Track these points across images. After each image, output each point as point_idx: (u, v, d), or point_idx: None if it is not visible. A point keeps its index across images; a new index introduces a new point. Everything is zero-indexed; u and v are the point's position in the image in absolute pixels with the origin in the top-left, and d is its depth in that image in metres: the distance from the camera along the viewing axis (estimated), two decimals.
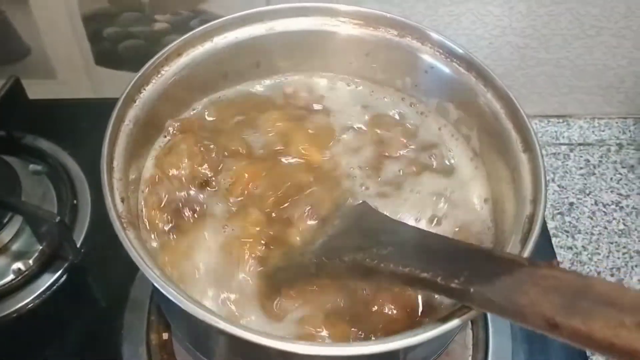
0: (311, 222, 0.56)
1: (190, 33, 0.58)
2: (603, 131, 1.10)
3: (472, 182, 0.60)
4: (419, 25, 0.61)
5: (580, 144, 1.09)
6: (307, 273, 0.51)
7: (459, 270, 0.43)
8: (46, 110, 0.90)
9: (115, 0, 0.91)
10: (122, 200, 0.48)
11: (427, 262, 0.45)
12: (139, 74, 0.55)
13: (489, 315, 0.71)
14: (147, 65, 0.55)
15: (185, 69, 0.58)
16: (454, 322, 0.43)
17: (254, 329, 0.42)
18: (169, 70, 0.57)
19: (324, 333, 0.50)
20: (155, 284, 0.43)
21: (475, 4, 0.94)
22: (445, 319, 0.43)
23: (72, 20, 0.93)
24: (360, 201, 0.57)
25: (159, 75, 0.57)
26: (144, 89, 0.55)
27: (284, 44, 0.62)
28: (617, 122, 1.11)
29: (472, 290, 0.41)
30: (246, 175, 0.57)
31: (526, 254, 0.46)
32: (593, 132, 1.10)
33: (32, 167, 0.84)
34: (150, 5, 0.92)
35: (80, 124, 0.90)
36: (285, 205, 0.57)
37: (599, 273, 0.92)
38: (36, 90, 0.87)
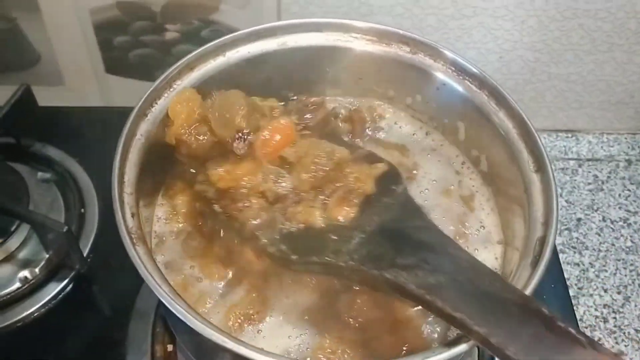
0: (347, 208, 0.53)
1: (203, 47, 0.58)
2: (612, 147, 1.10)
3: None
4: (432, 42, 0.61)
5: (588, 160, 1.09)
6: (338, 272, 0.50)
7: (516, 335, 0.41)
8: (55, 117, 0.90)
9: (127, 9, 0.91)
10: (132, 216, 0.48)
11: (482, 312, 0.42)
12: (151, 88, 0.55)
13: None
14: (159, 80, 0.55)
15: (197, 83, 0.58)
16: (462, 347, 0.43)
17: (260, 349, 0.42)
18: (181, 85, 0.57)
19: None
20: (164, 301, 0.43)
21: (486, 18, 0.94)
22: (454, 343, 0.43)
23: (83, 28, 0.93)
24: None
25: (171, 90, 0.57)
26: (156, 103, 0.55)
27: (296, 59, 0.62)
28: (626, 138, 1.11)
29: None
30: None
31: (537, 277, 0.46)
32: (602, 147, 1.10)
33: (40, 175, 0.84)
34: (161, 15, 0.92)
35: (89, 132, 0.91)
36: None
37: (605, 290, 0.92)
38: (45, 96, 0.87)
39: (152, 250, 0.52)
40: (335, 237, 0.51)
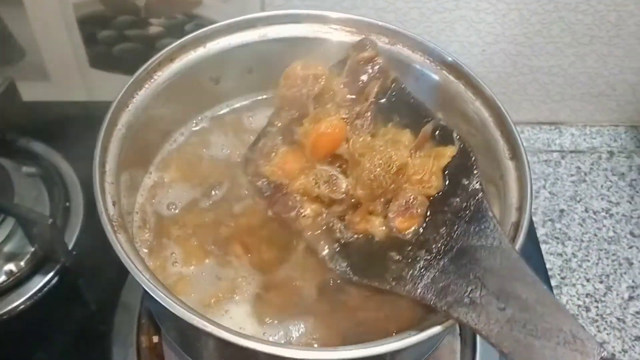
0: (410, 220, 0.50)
1: (183, 39, 0.59)
2: (594, 139, 1.11)
3: None
4: (410, 33, 0.62)
5: (571, 151, 1.10)
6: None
7: None
8: (40, 112, 0.91)
9: (111, 3, 0.91)
10: (114, 204, 0.49)
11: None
12: (132, 79, 0.56)
13: None
14: (139, 71, 0.56)
15: (178, 74, 0.59)
16: (436, 329, 0.43)
17: (240, 332, 0.43)
18: (162, 76, 0.58)
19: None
20: (145, 287, 0.44)
21: (468, 12, 0.95)
22: (427, 327, 0.44)
23: (67, 23, 0.93)
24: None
25: (152, 81, 0.57)
26: (137, 94, 0.56)
27: (277, 51, 0.63)
28: (608, 130, 1.12)
29: None
30: None
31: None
32: (584, 139, 1.11)
33: (25, 169, 0.84)
34: (145, 9, 0.92)
35: (74, 127, 0.91)
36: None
37: (588, 280, 0.93)
38: (30, 92, 0.88)
39: (133, 234, 0.53)
40: (397, 257, 0.48)
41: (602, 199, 1.03)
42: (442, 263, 0.46)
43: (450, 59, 0.60)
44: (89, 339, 0.73)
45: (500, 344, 0.40)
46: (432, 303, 0.44)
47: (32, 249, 0.76)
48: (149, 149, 0.59)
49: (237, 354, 0.45)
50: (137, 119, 0.55)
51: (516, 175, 0.54)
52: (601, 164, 1.08)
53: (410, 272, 0.46)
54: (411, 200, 0.50)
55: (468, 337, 0.71)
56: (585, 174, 1.06)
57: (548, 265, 0.92)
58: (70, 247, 0.78)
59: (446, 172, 0.52)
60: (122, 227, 0.48)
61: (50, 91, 1.00)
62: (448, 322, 0.44)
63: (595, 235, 0.98)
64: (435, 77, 0.61)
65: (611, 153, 1.09)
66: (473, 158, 0.52)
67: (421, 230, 0.49)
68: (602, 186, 1.05)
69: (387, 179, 0.50)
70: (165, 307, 0.43)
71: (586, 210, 1.01)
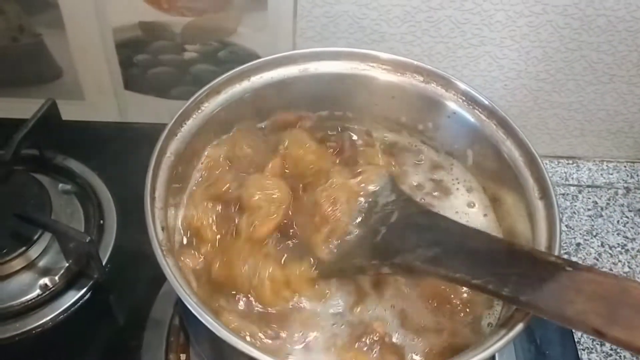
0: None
1: (229, 72, 0.62)
2: (611, 174, 1.13)
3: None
4: (445, 73, 0.65)
5: (588, 186, 1.12)
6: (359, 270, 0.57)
7: (507, 276, 0.47)
8: (76, 131, 0.94)
9: (149, 29, 0.95)
10: (163, 229, 0.51)
11: (475, 266, 0.50)
12: (181, 110, 0.58)
13: None
14: (189, 102, 0.59)
15: (223, 105, 0.62)
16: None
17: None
18: (209, 107, 0.61)
19: None
20: (193, 311, 0.46)
21: (492, 48, 0.97)
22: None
23: (105, 46, 0.96)
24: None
25: (199, 111, 0.60)
26: (185, 124, 0.59)
27: (316, 85, 0.66)
28: (625, 166, 1.14)
29: (522, 299, 0.46)
30: None
31: None
32: (602, 174, 1.13)
33: (61, 186, 0.87)
34: (181, 36, 0.95)
35: (109, 146, 0.94)
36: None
37: None
38: (65, 111, 0.90)
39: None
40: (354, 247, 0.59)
41: (618, 234, 1.05)
42: (380, 235, 0.58)
43: (485, 100, 0.62)
44: (119, 354, 0.75)
45: (425, 267, 0.52)
46: (381, 264, 0.56)
47: (67, 265, 0.79)
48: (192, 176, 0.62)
49: None
50: (185, 147, 0.58)
51: (545, 214, 0.56)
52: (617, 199, 1.10)
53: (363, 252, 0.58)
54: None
55: None
56: (602, 209, 1.08)
57: None
58: (103, 263, 0.80)
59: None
60: (170, 251, 0.50)
61: (85, 111, 1.02)
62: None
63: (611, 269, 1.00)
64: (468, 116, 0.64)
65: (628, 189, 1.11)
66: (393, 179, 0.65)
67: (360, 230, 0.60)
68: (618, 222, 1.06)
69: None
70: (211, 330, 0.46)
71: (602, 245, 1.03)
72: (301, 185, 0.64)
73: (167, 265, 0.48)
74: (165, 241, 0.51)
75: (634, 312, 0.42)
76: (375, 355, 0.53)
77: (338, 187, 0.62)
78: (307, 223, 0.61)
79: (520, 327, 0.48)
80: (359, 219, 0.60)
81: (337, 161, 0.67)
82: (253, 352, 0.44)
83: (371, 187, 0.62)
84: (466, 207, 0.65)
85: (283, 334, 0.54)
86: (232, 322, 0.52)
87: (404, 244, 0.55)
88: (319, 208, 0.60)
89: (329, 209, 0.60)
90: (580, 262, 0.99)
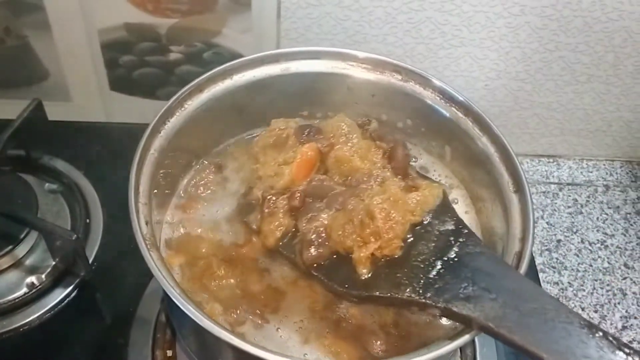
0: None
1: (212, 71, 0.63)
2: (591, 172, 1.15)
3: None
4: (422, 71, 0.66)
5: (569, 184, 1.14)
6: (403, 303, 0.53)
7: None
8: (62, 131, 0.95)
9: (134, 30, 0.96)
10: (146, 223, 0.53)
11: (545, 339, 0.45)
12: (165, 107, 0.60)
13: (477, 343, 0.75)
14: (172, 100, 0.60)
15: (206, 104, 0.63)
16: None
17: (263, 347, 0.46)
18: (192, 105, 0.62)
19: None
20: (177, 302, 0.47)
21: (472, 48, 0.99)
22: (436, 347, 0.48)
23: (91, 47, 0.97)
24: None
25: (183, 109, 0.61)
26: (169, 121, 0.60)
27: (297, 84, 0.67)
28: (604, 164, 1.16)
29: None
30: None
31: None
32: (581, 172, 1.15)
33: (47, 185, 0.88)
34: (166, 37, 0.97)
35: (94, 146, 0.95)
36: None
37: (583, 309, 0.96)
38: (52, 112, 0.91)
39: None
40: (398, 272, 0.54)
41: (597, 230, 1.07)
42: (435, 270, 0.53)
43: (460, 97, 0.64)
44: (105, 351, 0.75)
45: (499, 327, 0.46)
46: (432, 302, 0.50)
47: (53, 263, 0.79)
48: (177, 173, 0.63)
49: None
50: (168, 144, 0.59)
51: (519, 207, 0.57)
52: (597, 196, 1.12)
53: (414, 281, 0.53)
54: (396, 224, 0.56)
55: (469, 359, 0.74)
56: (582, 206, 1.10)
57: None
58: (89, 262, 0.81)
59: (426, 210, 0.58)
60: (153, 245, 0.52)
61: (71, 111, 1.03)
62: (455, 342, 0.47)
63: (591, 265, 1.02)
64: (445, 113, 0.65)
65: (607, 187, 1.13)
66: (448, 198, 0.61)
67: (410, 248, 0.55)
68: (597, 218, 1.08)
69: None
70: (194, 321, 0.47)
71: (582, 242, 1.05)
72: (339, 179, 0.61)
73: (151, 258, 0.49)
74: (149, 235, 0.52)
75: None
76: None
77: (394, 200, 0.55)
78: (348, 231, 0.55)
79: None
80: (411, 243, 0.55)
81: (389, 167, 0.61)
82: (235, 341, 0.45)
83: (427, 208, 0.57)
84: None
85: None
86: (216, 314, 0.54)
87: (462, 289, 0.50)
88: (372, 220, 0.54)
89: (383, 224, 0.54)
90: (561, 258, 1.02)
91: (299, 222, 0.57)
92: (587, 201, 1.11)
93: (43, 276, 0.79)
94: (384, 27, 0.96)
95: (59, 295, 0.78)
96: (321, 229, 0.56)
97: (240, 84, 0.65)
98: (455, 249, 0.54)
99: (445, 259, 0.53)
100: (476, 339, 0.74)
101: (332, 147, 0.61)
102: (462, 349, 0.74)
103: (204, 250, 0.59)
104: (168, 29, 0.96)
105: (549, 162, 1.16)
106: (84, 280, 0.79)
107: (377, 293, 0.53)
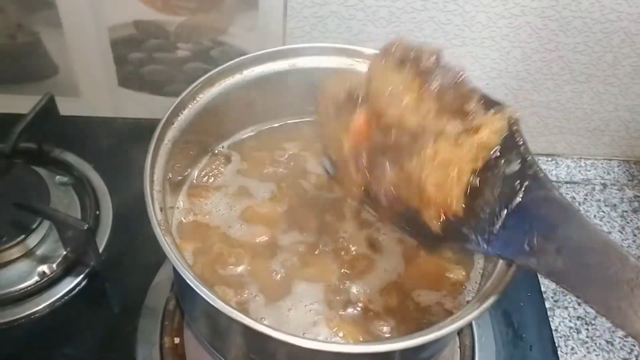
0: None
1: (223, 66, 0.66)
2: (589, 171, 1.17)
3: None
4: None
5: (566, 182, 1.16)
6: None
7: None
8: (73, 126, 0.97)
9: (143, 28, 0.98)
10: (161, 210, 0.55)
11: (606, 297, 0.44)
12: (178, 100, 0.62)
13: (475, 333, 0.77)
14: (185, 93, 0.62)
15: (217, 97, 0.65)
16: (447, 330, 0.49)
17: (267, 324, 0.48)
18: (203, 98, 0.64)
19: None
20: (190, 283, 0.49)
21: (474, 48, 1.01)
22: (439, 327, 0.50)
23: (100, 44, 0.99)
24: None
25: (195, 102, 0.64)
26: (181, 113, 0.62)
27: (304, 79, 0.69)
28: (602, 163, 1.18)
29: None
30: None
31: (510, 273, 0.53)
32: (579, 171, 1.17)
33: (58, 178, 0.90)
34: (174, 34, 0.99)
35: (104, 140, 0.97)
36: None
37: (579, 304, 0.98)
38: (61, 107, 0.93)
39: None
40: (461, 223, 0.51)
41: None
42: (500, 221, 0.50)
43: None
44: (115, 338, 0.77)
45: (562, 282, 0.45)
46: (498, 255, 0.50)
47: (64, 253, 0.81)
48: (188, 163, 0.65)
49: (266, 346, 0.51)
50: (181, 135, 0.61)
51: None
52: (594, 195, 1.14)
53: (480, 234, 0.51)
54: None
55: (467, 348, 0.76)
56: (580, 204, 1.12)
57: (542, 289, 0.97)
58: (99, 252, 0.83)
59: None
60: (167, 230, 0.54)
61: (80, 107, 1.05)
62: (451, 326, 0.50)
63: None
64: None
65: (604, 185, 1.15)
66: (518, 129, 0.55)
67: (479, 198, 0.51)
68: (595, 216, 1.10)
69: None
70: (206, 302, 0.49)
71: None
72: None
73: (166, 242, 0.51)
74: (164, 221, 0.54)
75: None
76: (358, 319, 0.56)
77: (446, 160, 0.51)
78: (410, 193, 0.52)
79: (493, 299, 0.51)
80: (477, 191, 0.51)
81: (436, 107, 0.53)
82: (247, 321, 0.47)
83: (492, 147, 0.52)
84: None
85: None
86: (227, 298, 0.56)
87: (526, 242, 0.48)
88: (424, 192, 0.51)
89: (436, 195, 0.51)
90: None
91: (371, 180, 0.54)
92: (585, 199, 1.13)
93: (54, 265, 0.81)
94: (387, 26, 0.98)
95: (69, 284, 0.80)
96: (390, 187, 0.53)
97: (250, 79, 0.67)
98: (521, 194, 0.50)
99: (511, 206, 0.50)
100: (474, 329, 0.77)
101: (382, 110, 0.55)
102: (461, 338, 0.76)
103: (213, 238, 0.61)
104: (176, 26, 0.98)
105: (547, 160, 1.17)
106: (94, 269, 0.81)
107: (449, 246, 0.54)
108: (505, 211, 0.50)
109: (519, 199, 0.50)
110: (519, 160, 0.52)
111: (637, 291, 0.42)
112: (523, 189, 0.50)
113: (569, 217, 0.48)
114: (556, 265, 0.45)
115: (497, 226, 0.50)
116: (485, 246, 0.50)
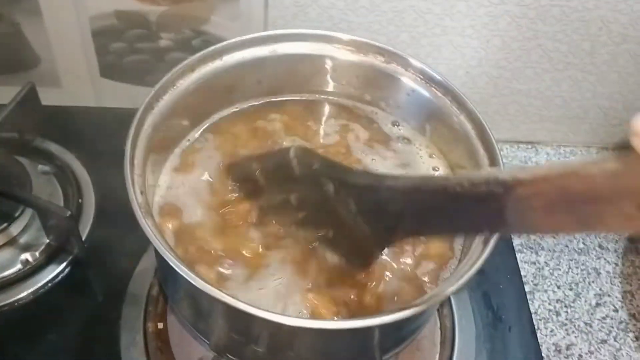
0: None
1: (203, 52, 0.66)
2: (568, 158, 1.18)
3: None
4: (403, 53, 0.70)
5: None
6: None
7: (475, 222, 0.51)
8: (55, 115, 0.97)
9: (125, 18, 0.98)
10: (141, 193, 0.55)
11: (439, 223, 0.53)
12: (158, 85, 0.62)
13: (455, 315, 0.78)
14: (165, 78, 0.63)
15: (197, 83, 0.66)
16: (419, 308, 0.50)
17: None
18: (183, 83, 0.65)
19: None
20: (173, 265, 0.50)
21: (454, 37, 1.02)
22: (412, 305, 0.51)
23: (82, 34, 0.99)
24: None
25: (175, 87, 0.64)
26: (162, 99, 0.63)
27: (285, 65, 0.70)
28: (581, 151, 1.20)
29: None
30: None
31: (487, 251, 0.54)
32: (559, 158, 1.18)
33: (40, 167, 0.90)
34: (156, 24, 0.99)
35: (86, 130, 0.97)
36: None
37: (558, 287, 1.00)
38: (43, 97, 0.93)
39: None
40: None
41: None
42: (367, 228, 0.57)
43: (439, 77, 0.67)
44: (98, 325, 0.78)
45: (418, 233, 0.58)
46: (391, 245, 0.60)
47: (47, 241, 0.82)
48: (169, 144, 0.66)
49: (247, 324, 0.52)
50: (161, 119, 0.62)
51: None
52: None
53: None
54: None
55: (447, 330, 0.78)
56: None
57: (522, 273, 0.99)
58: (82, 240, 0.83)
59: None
60: (148, 213, 0.54)
61: (62, 97, 1.05)
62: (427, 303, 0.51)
63: (567, 246, 1.05)
64: (425, 93, 0.69)
65: None
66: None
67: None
68: None
69: None
70: (187, 282, 0.49)
71: None
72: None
73: (147, 224, 0.52)
74: (144, 204, 0.55)
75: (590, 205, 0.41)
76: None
77: None
78: None
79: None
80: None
81: None
82: (228, 299, 0.48)
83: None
84: (432, 171, 0.70)
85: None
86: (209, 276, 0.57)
87: (383, 227, 0.56)
88: None
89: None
90: (538, 238, 1.05)
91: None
92: None
93: (37, 253, 0.81)
94: (368, 16, 0.98)
95: (52, 271, 0.80)
96: None
97: (230, 64, 0.68)
98: (353, 204, 0.56)
99: (358, 215, 0.56)
100: (454, 310, 0.78)
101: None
102: (441, 320, 0.77)
103: (192, 217, 0.62)
104: (158, 16, 0.98)
105: (527, 148, 1.19)
106: (77, 257, 0.82)
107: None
108: (359, 218, 0.57)
109: (354, 206, 0.56)
110: (332, 185, 0.58)
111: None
112: (350, 199, 0.57)
113: (372, 184, 0.56)
114: (409, 226, 0.54)
115: (366, 232, 0.57)
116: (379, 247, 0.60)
